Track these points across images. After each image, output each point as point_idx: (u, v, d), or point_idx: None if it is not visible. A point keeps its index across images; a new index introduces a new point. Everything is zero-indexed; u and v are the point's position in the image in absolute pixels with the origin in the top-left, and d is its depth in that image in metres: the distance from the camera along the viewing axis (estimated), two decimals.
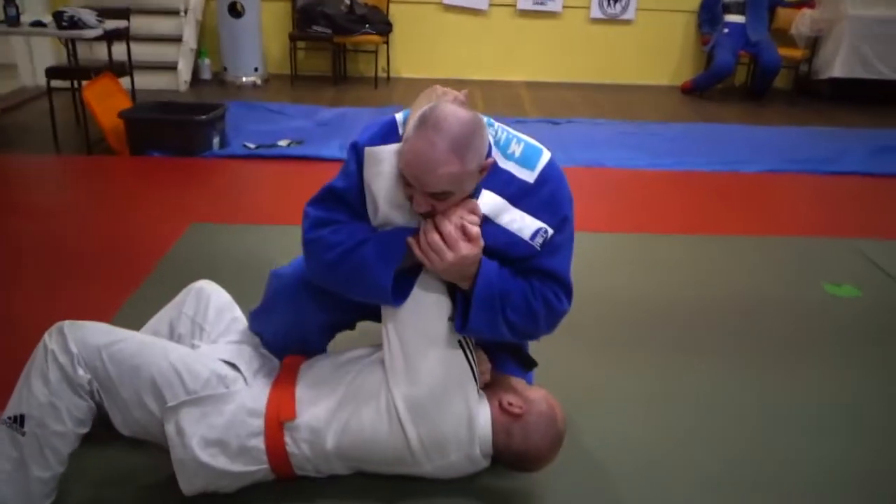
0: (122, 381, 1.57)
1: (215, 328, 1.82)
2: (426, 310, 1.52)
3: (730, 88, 6.85)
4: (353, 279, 1.51)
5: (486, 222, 1.47)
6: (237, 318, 1.86)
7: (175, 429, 1.54)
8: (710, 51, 6.55)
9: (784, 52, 6.42)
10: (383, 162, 1.43)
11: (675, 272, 2.96)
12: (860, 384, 2.24)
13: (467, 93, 1.53)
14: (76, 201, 3.54)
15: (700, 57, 6.89)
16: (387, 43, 6.61)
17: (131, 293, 2.59)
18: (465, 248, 1.41)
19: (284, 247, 2.94)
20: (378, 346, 1.69)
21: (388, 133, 1.49)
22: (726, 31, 6.41)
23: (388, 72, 6.79)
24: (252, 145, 4.38)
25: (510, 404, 1.57)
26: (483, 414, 1.57)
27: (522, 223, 1.49)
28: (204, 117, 4.16)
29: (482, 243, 1.45)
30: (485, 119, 1.48)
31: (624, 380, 2.20)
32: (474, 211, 1.44)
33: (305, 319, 1.67)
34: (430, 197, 1.38)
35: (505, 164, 1.49)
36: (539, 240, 1.49)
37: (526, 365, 1.78)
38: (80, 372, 1.55)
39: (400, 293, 1.51)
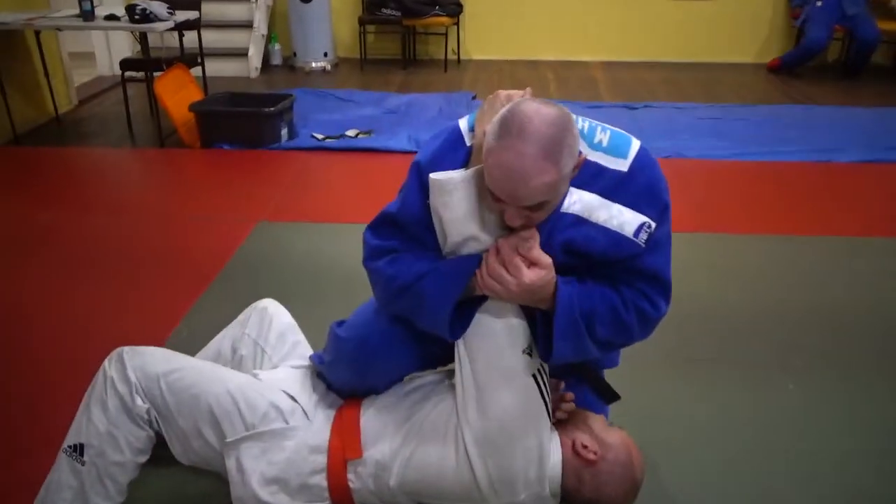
0: (181, 411, 1.53)
1: (277, 352, 1.77)
2: (499, 338, 1.41)
3: (822, 66, 6.42)
4: (413, 313, 1.43)
5: (581, 223, 1.33)
6: (299, 342, 1.81)
7: (235, 464, 1.50)
8: (801, 25, 6.15)
9: (883, 25, 5.96)
10: (452, 192, 1.31)
11: (761, 278, 2.77)
12: None
13: (530, 90, 1.39)
14: (148, 196, 3.57)
15: (790, 32, 6.48)
16: (457, 24, 6.46)
17: (199, 295, 2.58)
18: (530, 275, 1.29)
19: (352, 247, 2.90)
20: (447, 372, 1.60)
21: (453, 146, 1.37)
22: (819, 3, 5.99)
23: (458, 54, 6.66)
24: (320, 136, 4.34)
25: (584, 447, 1.45)
26: (555, 453, 1.46)
27: (622, 218, 1.32)
28: (272, 109, 4.13)
29: (550, 263, 1.32)
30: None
31: (707, 404, 2.05)
32: (529, 236, 1.31)
33: (371, 382, 1.59)
34: (525, 209, 1.24)
35: (593, 156, 1.33)
36: (644, 235, 1.33)
37: (607, 398, 1.64)
38: (139, 401, 1.52)
39: (460, 326, 1.40)
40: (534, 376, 1.42)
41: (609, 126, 1.40)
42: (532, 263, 1.30)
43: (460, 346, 1.43)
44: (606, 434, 1.49)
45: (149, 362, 1.55)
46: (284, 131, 4.26)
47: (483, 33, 6.72)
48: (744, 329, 2.42)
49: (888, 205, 3.52)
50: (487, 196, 1.26)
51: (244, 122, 4.18)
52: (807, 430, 1.97)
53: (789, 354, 2.30)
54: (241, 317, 1.86)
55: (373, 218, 1.48)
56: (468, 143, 1.36)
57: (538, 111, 1.18)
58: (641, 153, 1.36)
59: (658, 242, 1.37)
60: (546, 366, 1.47)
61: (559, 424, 1.51)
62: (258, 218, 3.22)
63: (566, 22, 6.66)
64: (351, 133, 4.41)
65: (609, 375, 1.69)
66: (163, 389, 1.53)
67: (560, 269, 1.34)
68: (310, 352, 1.80)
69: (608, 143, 1.35)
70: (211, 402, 1.52)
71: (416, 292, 1.38)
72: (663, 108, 5.10)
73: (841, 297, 2.64)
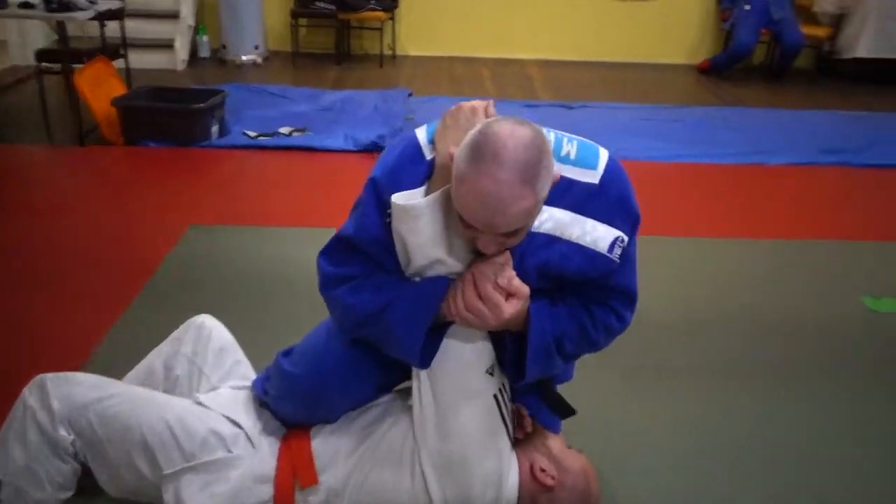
0: (112, 441, 1.42)
1: (216, 371, 1.66)
2: (463, 359, 1.36)
3: (749, 67, 6.60)
4: (379, 341, 1.35)
5: (554, 242, 1.27)
6: (240, 362, 1.70)
7: (174, 498, 1.39)
8: (730, 28, 6.30)
9: (806, 30, 6.17)
10: (419, 218, 1.23)
11: (695, 281, 2.80)
12: None
13: (493, 102, 1.32)
14: (67, 198, 3.36)
15: (719, 35, 6.64)
16: (392, 19, 6.36)
17: (125, 308, 2.42)
18: (510, 308, 1.24)
19: (292, 251, 2.82)
20: (400, 393, 1.53)
21: (412, 159, 1.29)
22: (748, 7, 6.15)
23: (393, 49, 6.55)
24: (253, 134, 4.19)
25: (542, 471, 1.41)
26: (512, 475, 1.41)
27: (596, 234, 1.28)
28: (202, 105, 3.96)
29: (528, 293, 1.27)
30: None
31: (643, 413, 2.04)
32: (504, 262, 1.25)
33: (324, 415, 1.50)
34: (500, 236, 1.18)
35: (561, 169, 1.26)
36: (618, 250, 1.29)
37: (562, 413, 1.59)
38: (63, 432, 1.40)
39: (430, 353, 1.34)
40: (495, 396, 1.37)
41: (574, 136, 1.34)
42: (510, 294, 1.25)
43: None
44: (565, 457, 1.44)
45: (75, 391, 1.43)
46: (215, 128, 4.09)
47: (419, 29, 6.64)
48: (681, 335, 2.42)
49: (817, 208, 3.62)
50: (456, 220, 1.19)
51: (172, 118, 3.99)
52: (756, 435, 1.98)
53: (729, 360, 2.31)
54: (175, 334, 1.74)
55: (326, 242, 1.38)
56: (428, 157, 1.28)
57: (513, 133, 1.10)
58: (610, 164, 1.32)
59: (628, 256, 1.34)
60: (507, 384, 1.41)
61: (517, 444, 1.46)
62: (189, 222, 3.07)
63: (502, 19, 6.64)
64: (285, 130, 4.27)
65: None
66: (91, 420, 1.41)
67: (533, 291, 1.28)
68: (251, 372, 1.71)
69: (576, 154, 1.30)
70: (145, 432, 1.41)
71: (383, 322, 1.31)
72: (600, 109, 5.13)
73: (777, 300, 2.68)
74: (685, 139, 4.49)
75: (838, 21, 6.25)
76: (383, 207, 1.28)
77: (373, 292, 1.31)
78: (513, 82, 5.90)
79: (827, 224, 3.41)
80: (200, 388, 1.64)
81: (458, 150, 1.15)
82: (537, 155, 1.11)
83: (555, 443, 1.47)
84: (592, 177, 1.28)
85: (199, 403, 1.51)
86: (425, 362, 1.33)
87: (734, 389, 2.17)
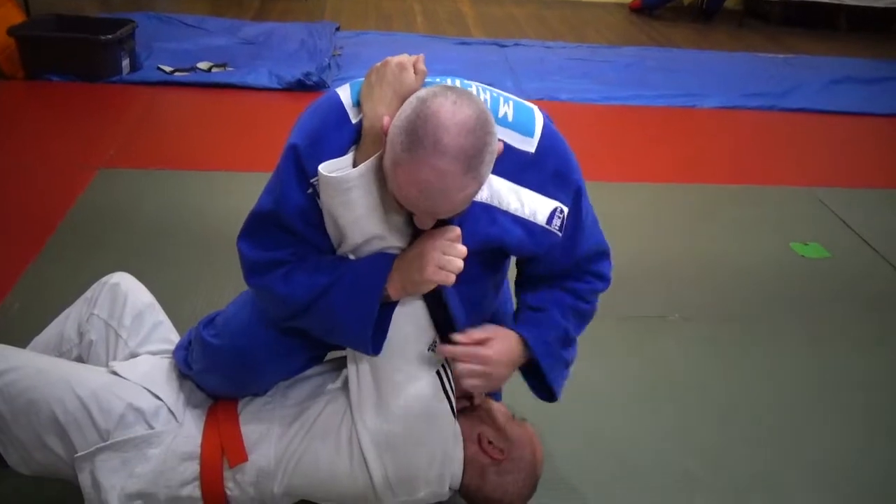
0: (17, 420, 1.29)
1: (133, 335, 1.52)
2: (403, 338, 1.27)
3: (679, 7, 6.58)
4: (320, 332, 1.27)
5: (492, 213, 1.20)
6: (160, 323, 1.56)
7: (90, 480, 1.28)
8: None
9: None
10: (350, 191, 1.12)
11: (630, 228, 2.78)
12: (837, 360, 2.14)
13: (423, 58, 1.21)
14: None
15: None
16: None
17: (33, 258, 2.24)
18: (506, 371, 1.31)
19: (212, 198, 2.66)
20: (334, 365, 1.45)
21: (337, 124, 1.16)
22: None
23: None
24: (168, 69, 3.92)
25: (490, 443, 1.36)
26: (458, 451, 1.36)
27: (534, 206, 1.21)
28: (110, 36, 3.65)
29: (499, 331, 1.30)
30: (464, 82, 1.20)
31: (594, 360, 2.02)
32: (454, 238, 1.16)
33: (252, 389, 1.39)
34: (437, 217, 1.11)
35: (499, 132, 1.13)
36: (557, 221, 1.24)
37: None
38: None
39: (379, 340, 1.25)
40: (437, 372, 1.30)
41: (510, 96, 1.26)
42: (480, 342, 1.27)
43: None
44: (511, 428, 1.40)
45: None
46: (126, 62, 3.80)
47: None
48: (620, 282, 2.38)
49: (746, 152, 3.65)
50: (391, 197, 1.10)
51: (78, 50, 3.67)
52: (689, 381, 2.00)
53: (667, 303, 2.33)
54: (87, 294, 1.58)
55: (243, 224, 1.25)
56: (353, 120, 1.16)
57: (454, 116, 1.00)
58: (546, 129, 1.24)
59: (582, 224, 1.29)
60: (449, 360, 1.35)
61: (462, 416, 1.40)
62: (98, 165, 2.86)
63: None
64: (203, 66, 4.01)
65: None
66: None
67: (467, 272, 1.19)
68: (173, 334, 1.58)
69: (513, 117, 1.21)
70: (55, 409, 1.28)
71: (323, 310, 1.21)
72: (533, 47, 5.02)
73: (711, 245, 2.71)
74: (618, 80, 4.45)
75: None
76: (305, 178, 1.16)
77: (308, 277, 1.20)
78: (445, 18, 5.71)
79: (757, 169, 3.45)
80: (118, 355, 1.50)
81: (392, 126, 1.04)
82: (482, 138, 1.02)
83: (500, 413, 1.42)
84: (528, 145, 1.21)
85: (115, 373, 1.38)
86: (377, 348, 1.25)
87: (670, 333, 2.19)
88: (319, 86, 3.85)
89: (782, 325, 2.29)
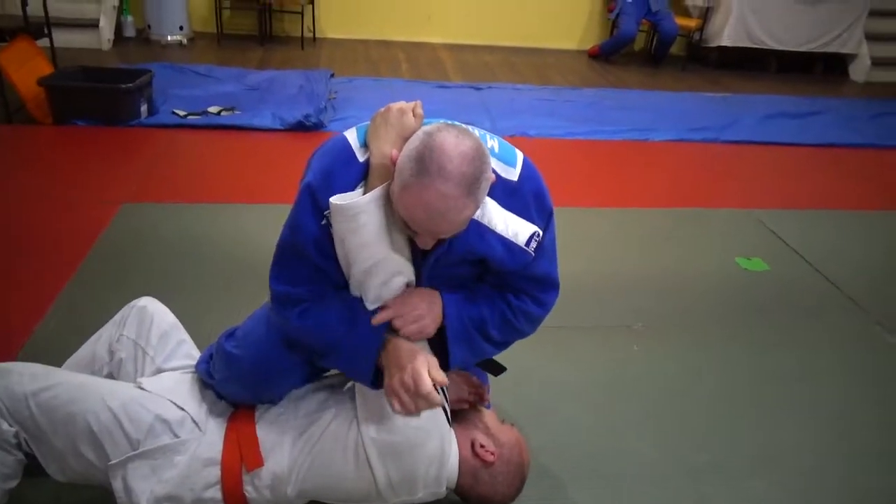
0: (56, 431, 1.27)
1: (159, 353, 1.52)
2: None
3: (631, 53, 6.70)
4: (330, 362, 1.31)
5: (480, 230, 1.21)
6: (184, 342, 1.56)
7: (122, 486, 1.27)
8: (615, 18, 6.34)
9: (680, 21, 6.28)
10: (359, 216, 1.13)
11: (599, 248, 2.81)
12: (778, 360, 2.17)
13: (420, 104, 1.24)
14: None
15: (606, 23, 6.68)
16: (312, 3, 6.05)
17: (64, 285, 2.21)
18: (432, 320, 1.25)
19: (225, 227, 2.65)
20: (340, 377, 1.44)
21: (346, 163, 1.19)
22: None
23: (314, 32, 6.26)
24: (182, 113, 3.90)
25: (482, 447, 1.36)
26: (453, 454, 1.36)
27: (516, 227, 1.23)
28: (131, 85, 3.65)
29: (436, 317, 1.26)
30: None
31: (564, 367, 2.04)
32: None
33: (268, 396, 1.39)
34: (438, 237, 1.14)
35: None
36: (534, 244, 1.25)
37: (494, 371, 1.54)
38: (5, 426, 1.25)
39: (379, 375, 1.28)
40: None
41: (494, 134, 1.29)
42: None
43: None
44: (500, 432, 1.40)
45: (14, 381, 1.27)
46: (144, 107, 3.78)
47: (337, 13, 6.36)
48: (583, 297, 2.42)
49: (692, 179, 3.70)
50: (397, 219, 1.12)
51: (101, 97, 3.66)
52: (653, 388, 2.01)
53: (631, 314, 2.34)
54: (116, 317, 1.57)
55: (273, 260, 1.27)
56: (361, 159, 1.19)
57: (457, 147, 1.05)
58: (526, 162, 1.27)
59: (545, 248, 1.29)
60: None
61: (456, 423, 1.40)
62: (121, 200, 2.83)
63: (413, 4, 6.45)
64: (213, 110, 4.00)
65: None
66: (33, 410, 1.26)
67: (454, 278, 1.24)
68: (195, 351, 1.57)
69: (499, 150, 1.24)
70: (90, 420, 1.27)
71: (333, 351, 1.25)
72: (505, 90, 5.07)
73: (664, 262, 2.73)
74: (579, 118, 4.49)
75: (706, 13, 6.39)
76: (319, 211, 1.17)
77: (318, 326, 1.24)
78: (426, 64, 5.75)
79: (704, 194, 3.50)
80: (145, 371, 1.50)
81: (401, 157, 1.08)
82: (480, 167, 1.06)
83: (490, 419, 1.42)
84: (512, 174, 1.24)
85: (142, 388, 1.37)
86: (377, 384, 1.28)
87: (635, 339, 2.20)
88: (318, 126, 3.86)
89: (731, 330, 2.31)
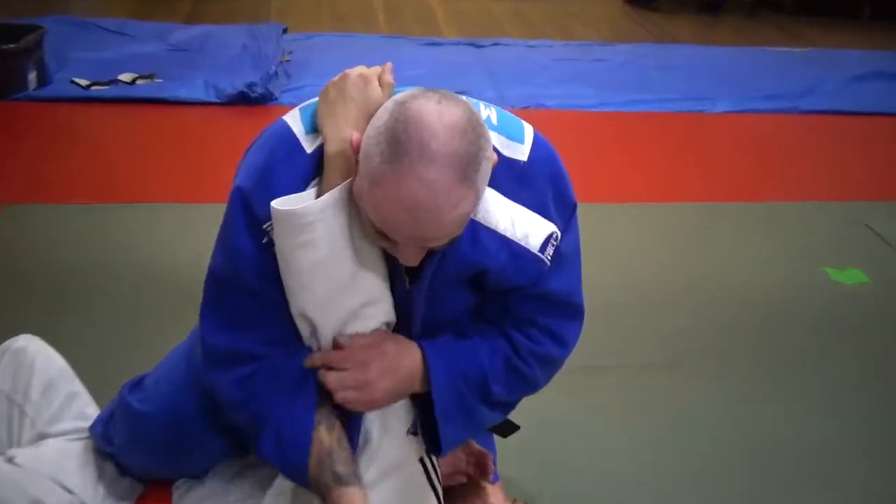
0: None
1: (42, 412, 1.48)
2: (373, 424, 1.24)
3: None
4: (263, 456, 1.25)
5: (476, 231, 1.14)
6: (76, 395, 1.53)
7: None
8: None
9: None
10: (313, 226, 1.08)
11: (635, 257, 2.77)
12: (871, 399, 2.13)
13: (391, 66, 1.18)
14: None
15: None
16: None
17: None
18: (388, 388, 1.19)
19: (141, 234, 2.61)
20: None
21: (287, 155, 1.14)
22: None
23: None
24: (84, 82, 3.86)
25: None
26: None
27: (527, 227, 1.16)
28: (13, 46, 3.61)
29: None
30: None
31: (593, 423, 1.99)
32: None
33: (185, 468, 1.35)
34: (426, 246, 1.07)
35: None
36: (550, 249, 1.19)
37: (504, 431, 1.50)
38: None
39: None
40: (421, 459, 1.26)
41: (488, 102, 1.24)
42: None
43: None
44: None
45: None
46: (33, 75, 3.74)
47: None
48: (618, 313, 2.38)
49: (765, 162, 3.66)
50: (366, 227, 1.06)
51: None
52: (710, 443, 1.96)
53: (678, 349, 2.29)
54: None
55: (203, 298, 1.22)
56: (308, 149, 1.14)
57: (441, 117, 0.97)
58: (538, 137, 1.22)
59: (565, 256, 1.23)
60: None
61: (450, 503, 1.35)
62: (3, 200, 2.79)
63: None
64: (126, 78, 3.96)
65: None
66: None
67: (454, 309, 1.18)
68: (91, 407, 1.54)
69: (498, 121, 1.19)
70: None
71: (271, 438, 1.20)
72: (515, 47, 5.06)
73: (731, 273, 2.69)
74: (612, 83, 4.46)
75: None
76: (257, 224, 1.12)
77: (257, 406, 1.19)
78: (411, 16, 5.73)
79: (774, 182, 3.46)
80: (23, 437, 1.46)
81: (365, 139, 1.01)
82: (476, 142, 0.99)
83: (496, 497, 1.37)
84: (520, 152, 1.18)
85: (14, 463, 1.32)
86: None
87: (696, 385, 2.15)
88: (265, 98, 3.83)
89: (816, 362, 2.27)
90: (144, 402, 1.32)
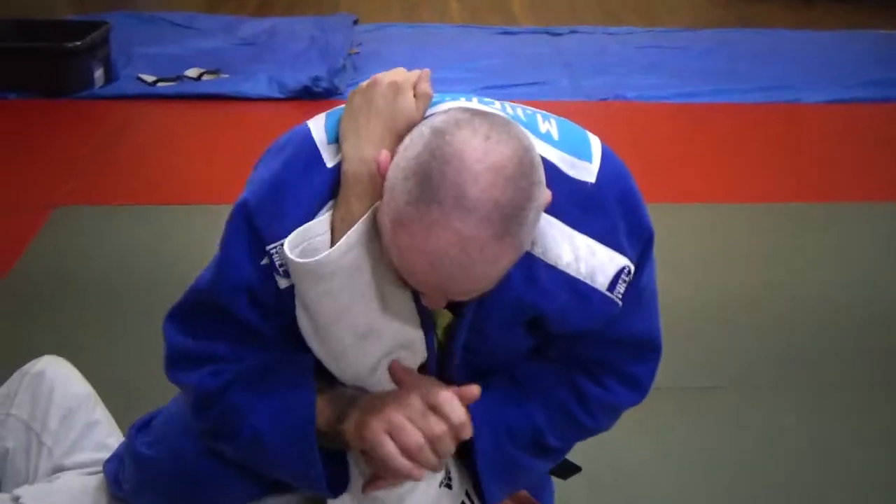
0: None
1: (60, 442, 1.40)
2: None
3: None
4: (259, 466, 1.13)
5: (533, 267, 0.99)
6: (96, 423, 1.44)
7: None
8: None
9: None
10: (333, 277, 0.95)
11: (719, 264, 2.58)
12: None
13: (428, 74, 1.02)
14: None
15: None
16: None
17: None
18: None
19: (193, 240, 2.50)
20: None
21: (305, 169, 1.00)
22: None
23: None
24: (150, 79, 3.86)
25: None
26: None
27: (594, 260, 1.01)
28: (79, 43, 3.61)
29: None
30: (482, 101, 1.03)
31: (670, 459, 1.83)
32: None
33: None
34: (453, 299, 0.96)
35: (542, 150, 0.98)
36: (621, 287, 1.03)
37: (563, 473, 1.36)
38: None
39: (342, 476, 1.11)
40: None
41: (549, 113, 1.08)
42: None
43: None
44: None
45: None
46: (99, 73, 3.75)
47: None
48: (703, 340, 2.21)
49: (869, 159, 3.40)
50: (390, 265, 0.92)
51: (41, 60, 3.65)
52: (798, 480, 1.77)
53: (755, 370, 2.12)
54: (3, 388, 1.47)
55: (177, 301, 1.12)
56: (329, 164, 0.99)
57: (486, 156, 0.82)
58: (607, 153, 1.06)
59: (642, 292, 1.08)
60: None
61: None
62: (54, 202, 2.75)
63: None
64: (192, 73, 3.95)
65: None
66: None
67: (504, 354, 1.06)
68: (112, 437, 1.45)
69: (560, 135, 1.03)
70: None
71: (255, 441, 1.07)
72: (593, 35, 4.92)
73: (828, 284, 2.49)
74: (698, 72, 4.29)
75: None
76: (259, 245, 0.99)
77: (243, 387, 1.06)
78: (484, 3, 5.61)
79: (876, 181, 3.21)
80: (39, 468, 1.38)
81: (392, 168, 0.87)
82: (527, 189, 0.84)
83: None
84: (587, 172, 1.01)
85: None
86: (337, 488, 1.10)
87: (763, 407, 1.99)
88: (329, 93, 3.77)
89: None
90: (152, 446, 1.22)
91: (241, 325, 1.04)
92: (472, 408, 1.04)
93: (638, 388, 1.16)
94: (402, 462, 0.98)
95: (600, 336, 1.07)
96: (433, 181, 0.81)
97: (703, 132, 3.63)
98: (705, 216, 2.87)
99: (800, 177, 3.21)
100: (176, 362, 1.08)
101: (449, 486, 1.14)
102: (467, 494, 1.18)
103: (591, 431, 1.19)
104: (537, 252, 0.99)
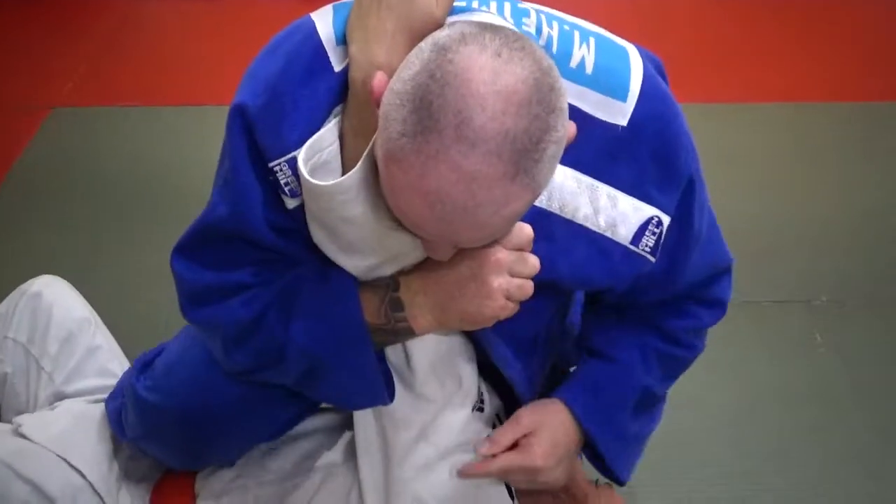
0: None
1: (60, 368, 1.36)
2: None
3: None
4: (301, 383, 1.06)
5: (547, 224, 0.94)
6: (97, 348, 1.39)
7: None
8: None
9: None
10: (349, 203, 0.86)
11: (748, 174, 2.36)
12: None
13: None
14: None
15: None
16: None
17: None
18: (561, 471, 1.12)
19: (201, 141, 2.44)
20: (334, 418, 1.28)
21: (308, 73, 0.90)
22: None
23: None
24: None
25: None
26: None
27: (614, 211, 0.94)
28: None
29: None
30: (517, 6, 0.92)
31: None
32: (527, 246, 0.92)
33: (210, 458, 1.24)
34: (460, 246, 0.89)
35: (569, 91, 0.88)
36: (650, 239, 0.97)
37: None
38: None
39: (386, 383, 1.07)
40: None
41: (592, 27, 0.96)
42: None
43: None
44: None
45: None
46: None
47: None
48: (759, 253, 2.10)
49: None
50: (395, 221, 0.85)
51: None
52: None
53: (813, 287, 2.03)
54: (2, 306, 1.43)
55: (183, 233, 1.03)
56: (337, 67, 0.89)
57: (496, 78, 0.70)
58: (648, 87, 0.94)
59: (694, 239, 1.03)
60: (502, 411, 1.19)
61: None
62: (52, 102, 2.67)
63: None
64: None
65: None
66: None
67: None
68: (114, 362, 1.41)
69: (594, 67, 0.91)
70: None
71: (301, 352, 1.00)
72: None
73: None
74: None
75: None
76: (260, 160, 0.91)
77: (278, 301, 0.99)
78: None
79: None
80: (39, 394, 1.35)
81: (388, 91, 0.75)
82: (543, 119, 0.72)
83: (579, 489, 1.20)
84: (619, 113, 0.92)
85: (23, 435, 1.19)
86: (390, 393, 1.08)
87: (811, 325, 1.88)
88: None
89: None
90: (154, 391, 1.16)
91: (263, 250, 0.97)
92: (581, 410, 1.12)
93: (719, 304, 1.17)
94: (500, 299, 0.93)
95: (671, 286, 1.06)
96: (432, 106, 0.70)
97: (761, 22, 3.22)
98: (749, 117, 2.57)
99: (866, 68, 2.85)
100: (196, 300, 1.01)
101: (481, 410, 1.14)
102: (497, 416, 1.19)
103: (692, 360, 1.21)
104: (554, 207, 0.94)
